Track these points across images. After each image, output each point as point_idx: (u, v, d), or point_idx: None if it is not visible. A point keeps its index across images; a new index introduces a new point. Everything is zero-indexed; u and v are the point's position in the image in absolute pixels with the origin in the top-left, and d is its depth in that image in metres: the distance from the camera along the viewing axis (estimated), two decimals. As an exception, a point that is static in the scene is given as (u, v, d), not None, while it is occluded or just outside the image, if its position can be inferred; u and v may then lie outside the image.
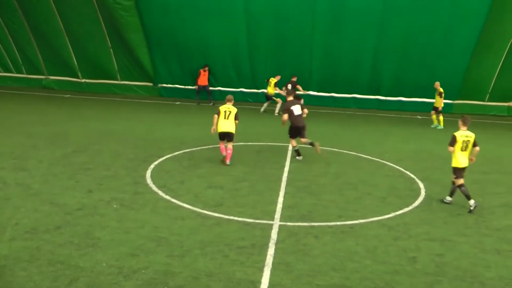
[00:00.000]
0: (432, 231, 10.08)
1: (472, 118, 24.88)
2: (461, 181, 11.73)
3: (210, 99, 26.43)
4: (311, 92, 26.49)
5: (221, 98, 26.88)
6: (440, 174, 14.27)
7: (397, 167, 15.00)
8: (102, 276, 7.48)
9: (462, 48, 24.78)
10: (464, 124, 11.83)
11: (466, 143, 11.61)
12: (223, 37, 25.62)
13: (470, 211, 11.42)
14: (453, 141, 11.59)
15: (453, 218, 10.99)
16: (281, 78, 24.33)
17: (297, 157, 15.21)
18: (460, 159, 11.68)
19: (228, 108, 14.33)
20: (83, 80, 28.99)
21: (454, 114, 26.68)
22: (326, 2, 24.17)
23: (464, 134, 11.65)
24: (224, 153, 14.30)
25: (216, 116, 14.33)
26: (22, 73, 30.25)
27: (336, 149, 16.84)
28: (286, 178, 13.12)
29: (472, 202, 11.53)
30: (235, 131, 14.40)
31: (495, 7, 23.15)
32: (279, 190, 12.05)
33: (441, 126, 22.74)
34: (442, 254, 9.00)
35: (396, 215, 10.84)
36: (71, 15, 26.38)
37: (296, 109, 14.97)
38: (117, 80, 28.41)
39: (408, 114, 25.77)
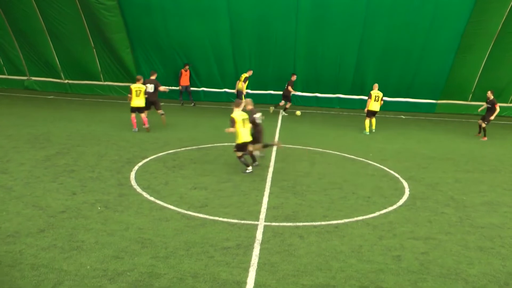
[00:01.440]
0: (416, 230, 10.16)
1: (456, 118, 25.65)
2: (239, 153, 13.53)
3: (191, 100, 26.25)
4: (295, 92, 26.54)
5: (206, 99, 26.92)
6: (424, 173, 14.39)
7: (382, 166, 15.08)
8: (86, 279, 7.42)
9: (445, 48, 24.99)
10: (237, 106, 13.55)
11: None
12: (206, 37, 25.51)
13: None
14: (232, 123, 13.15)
15: (437, 216, 11.08)
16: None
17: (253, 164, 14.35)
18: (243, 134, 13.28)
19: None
20: (66, 81, 28.69)
21: (438, 114, 26.99)
22: (309, 1, 24.19)
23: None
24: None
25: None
26: (4, 74, 29.88)
27: (320, 149, 16.88)
28: (270, 179, 13.12)
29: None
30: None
31: (477, 8, 23.36)
32: (263, 191, 12.06)
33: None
34: (426, 252, 9.09)
35: (381, 214, 10.90)
36: (53, 14, 26.07)
37: (258, 118, 14.43)
38: (101, 81, 28.16)
39: (392, 114, 25.92)
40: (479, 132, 21.50)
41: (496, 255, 9.13)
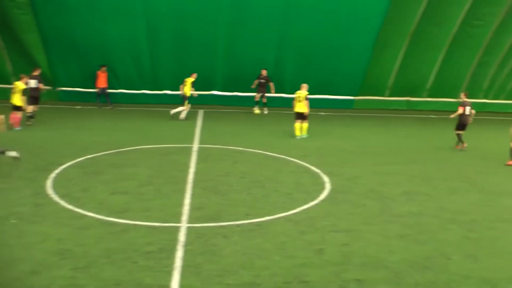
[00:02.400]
0: (338, 223, 10.41)
1: (373, 113, 26.44)
2: None
3: (108, 102, 25.53)
4: (215, 92, 26.52)
5: (125, 101, 26.17)
6: (344, 168, 14.75)
7: (303, 163, 15.33)
8: (0, 298, 7.07)
9: (362, 45, 25.77)
10: None
11: None
12: (123, 37, 24.79)
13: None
14: None
15: (357, 209, 11.40)
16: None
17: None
18: None
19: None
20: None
21: (356, 109, 27.76)
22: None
23: None
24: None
25: None
26: None
27: (242, 148, 16.95)
28: (192, 179, 13.02)
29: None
30: None
31: (393, 6, 24.28)
32: (185, 192, 11.93)
33: None
34: (348, 244, 9.33)
35: (303, 210, 11.07)
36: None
37: None
38: (11, 84, 26.81)
39: (312, 111, 26.22)
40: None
41: (415, 241, 9.50)
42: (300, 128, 19.39)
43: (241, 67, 25.94)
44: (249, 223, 10.11)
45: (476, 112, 29.30)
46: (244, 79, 26.18)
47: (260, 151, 16.66)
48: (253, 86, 25.40)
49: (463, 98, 19.16)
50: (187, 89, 22.92)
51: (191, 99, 22.68)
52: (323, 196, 12.15)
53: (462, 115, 18.67)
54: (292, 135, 19.36)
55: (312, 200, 11.73)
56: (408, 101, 29.10)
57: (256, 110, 25.34)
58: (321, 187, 12.90)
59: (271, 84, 24.98)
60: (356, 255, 8.85)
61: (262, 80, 25.07)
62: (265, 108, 25.65)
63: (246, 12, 24.45)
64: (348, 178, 13.89)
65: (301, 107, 19.15)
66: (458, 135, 18.84)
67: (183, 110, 22.70)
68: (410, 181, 13.87)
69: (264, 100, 25.41)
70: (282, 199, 11.83)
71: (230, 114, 24.67)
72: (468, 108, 18.70)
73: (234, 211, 10.81)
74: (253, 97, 26.10)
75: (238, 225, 9.96)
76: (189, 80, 23.00)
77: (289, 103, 26.29)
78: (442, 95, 29.08)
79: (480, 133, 22.92)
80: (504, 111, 30.33)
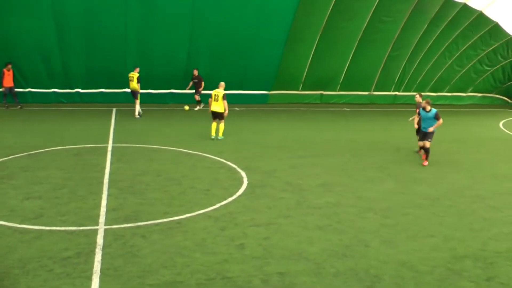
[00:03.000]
0: (257, 217, 10.55)
1: (287, 107, 26.91)
2: None
3: (16, 102, 24.35)
4: (127, 90, 25.97)
5: (34, 100, 25.04)
6: (260, 162, 14.94)
7: (219, 158, 15.38)
8: None
9: (274, 40, 26.15)
10: None
11: None
12: (29, 33, 23.62)
13: None
14: None
15: (276, 202, 11.59)
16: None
17: None
18: None
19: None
20: None
21: (270, 104, 28.13)
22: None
23: None
24: None
25: None
26: None
27: (157, 146, 16.75)
28: (108, 180, 12.73)
29: None
30: None
31: (303, 1, 24.73)
32: (101, 193, 11.66)
33: None
34: (268, 237, 9.49)
35: (221, 206, 11.14)
36: None
37: None
38: None
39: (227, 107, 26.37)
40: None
41: (334, 231, 9.82)
42: (217, 129, 18.53)
43: (154, 63, 25.51)
44: (168, 222, 10.04)
45: (388, 104, 30.97)
46: (157, 76, 25.85)
47: (176, 148, 16.54)
48: (188, 88, 25.82)
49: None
50: (134, 84, 22.60)
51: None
52: (240, 191, 12.26)
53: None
54: (208, 132, 19.31)
55: (230, 196, 11.82)
56: (321, 94, 29.92)
57: (186, 107, 25.22)
58: (239, 182, 13.01)
59: (202, 84, 25.24)
60: (277, 248, 9.03)
61: (195, 80, 25.28)
62: (198, 106, 25.54)
63: (156, 8, 24.07)
64: (265, 172, 14.09)
65: (218, 106, 18.17)
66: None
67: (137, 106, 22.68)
68: (326, 173, 14.28)
69: (197, 98, 25.35)
70: (200, 195, 11.83)
71: (143, 112, 24.24)
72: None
73: (152, 210, 10.69)
74: (163, 94, 26.01)
75: (156, 224, 9.87)
76: (135, 75, 22.54)
77: (204, 99, 26.37)
78: (355, 88, 30.21)
79: (392, 124, 24.01)
80: (414, 103, 31.75)
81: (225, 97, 18.18)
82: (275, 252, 8.88)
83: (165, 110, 25.09)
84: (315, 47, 27.22)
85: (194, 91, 25.88)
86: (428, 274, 8.45)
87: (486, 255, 9.42)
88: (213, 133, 18.55)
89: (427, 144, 15.99)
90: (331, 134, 20.52)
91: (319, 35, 26.68)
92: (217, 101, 18.17)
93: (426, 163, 16.08)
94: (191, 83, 25.69)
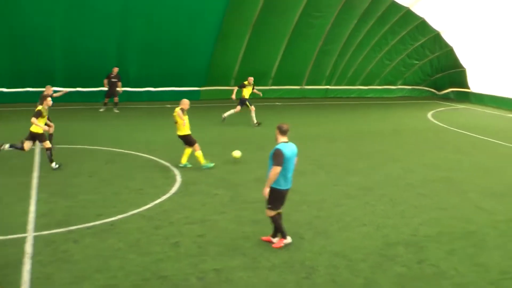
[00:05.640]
0: (192, 214, 10.50)
1: (220, 103, 26.84)
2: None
3: None
4: (56, 88, 25.11)
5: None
6: (192, 159, 14.73)
7: (152, 157, 15.17)
8: None
9: (206, 36, 25.95)
10: None
11: None
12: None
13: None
14: None
15: (210, 199, 11.58)
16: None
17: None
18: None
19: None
20: None
21: (202, 100, 27.97)
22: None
23: None
24: None
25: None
26: None
27: (88, 146, 16.32)
28: (37, 184, 12.25)
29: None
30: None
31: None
32: (30, 199, 11.19)
33: None
34: (203, 234, 9.47)
35: (155, 205, 11.01)
36: None
37: None
38: None
39: (158, 104, 26.11)
40: None
41: (268, 225, 9.78)
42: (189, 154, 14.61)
43: (82, 61, 24.74)
44: (101, 224, 9.81)
45: (319, 97, 31.52)
46: (85, 74, 25.14)
47: (107, 148, 16.17)
48: (106, 86, 24.14)
49: None
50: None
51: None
52: (174, 189, 12.16)
53: None
54: (141, 128, 19.02)
55: (164, 194, 11.70)
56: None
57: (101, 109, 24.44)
58: (172, 180, 12.89)
59: (119, 84, 24.15)
60: (212, 245, 9.02)
61: (114, 79, 23.94)
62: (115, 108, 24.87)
63: (84, 4, 23.34)
64: (198, 169, 14.01)
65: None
66: None
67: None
68: (260, 168, 14.28)
69: (116, 100, 24.26)
70: (134, 195, 11.63)
71: (73, 111, 23.52)
72: None
73: (84, 213, 10.40)
74: (94, 92, 25.38)
75: (89, 228, 9.62)
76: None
77: (134, 97, 25.95)
78: (286, 83, 30.53)
79: (324, 117, 24.42)
80: (345, 96, 32.77)
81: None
82: (210, 248, 8.87)
83: (95, 109, 24.42)
84: (247, 43, 27.27)
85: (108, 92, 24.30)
86: (362, 261, 8.69)
87: (417, 240, 9.80)
88: (184, 160, 14.50)
89: None
90: (264, 129, 20.64)
91: (250, 30, 26.74)
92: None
93: None
94: (106, 81, 24.02)
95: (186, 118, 14.14)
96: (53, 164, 13.61)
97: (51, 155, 13.63)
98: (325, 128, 21.80)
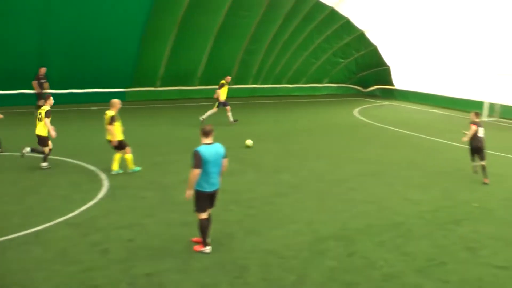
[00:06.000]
0: (120, 219, 10.28)
1: (146, 104, 26.45)
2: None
3: None
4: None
5: None
6: (121, 164, 14.37)
7: (77, 162, 14.73)
8: None
9: (130, 36, 25.46)
10: None
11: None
12: None
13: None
14: None
15: (138, 202, 11.39)
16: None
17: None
18: None
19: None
20: None
21: (129, 102, 27.38)
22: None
23: None
24: None
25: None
26: None
27: (9, 153, 15.58)
28: (-47, 196, 11.61)
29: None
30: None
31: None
32: None
33: None
34: (133, 239, 9.30)
35: (82, 211, 10.70)
36: None
37: None
38: None
39: (83, 106, 25.37)
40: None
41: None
42: (119, 159, 13.89)
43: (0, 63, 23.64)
44: (24, 235, 9.38)
45: (247, 96, 31.62)
46: (3, 75, 23.95)
47: (29, 154, 15.46)
48: (36, 89, 22.94)
49: (474, 118, 14.62)
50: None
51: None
52: (101, 194, 11.86)
53: (474, 138, 14.43)
54: (62, 131, 18.38)
55: (91, 200, 11.38)
56: (180, 90, 29.76)
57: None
58: (99, 184, 12.57)
59: (46, 85, 23.16)
60: (142, 249, 8.87)
61: (42, 80, 22.95)
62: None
63: (4, 3, 22.23)
64: (125, 172, 13.73)
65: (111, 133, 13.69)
66: (481, 166, 14.63)
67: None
68: (188, 169, 14.09)
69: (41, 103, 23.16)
70: (59, 203, 11.21)
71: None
72: (481, 130, 14.50)
73: (6, 224, 9.89)
74: (17, 95, 24.34)
75: (11, 240, 9.15)
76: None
77: (58, 99, 24.92)
78: (213, 83, 30.21)
79: (251, 116, 24.53)
80: (273, 95, 33.09)
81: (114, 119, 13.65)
82: (140, 253, 8.71)
83: (14, 113, 23.35)
84: (173, 42, 26.97)
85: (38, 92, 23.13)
86: (293, 258, 8.79)
87: (347, 233, 10.03)
88: (115, 167, 13.79)
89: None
90: (192, 130, 20.48)
91: (176, 30, 26.45)
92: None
93: None
94: (35, 82, 22.97)
95: (118, 124, 13.58)
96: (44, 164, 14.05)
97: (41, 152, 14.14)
98: (252, 126, 21.91)
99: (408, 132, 22.04)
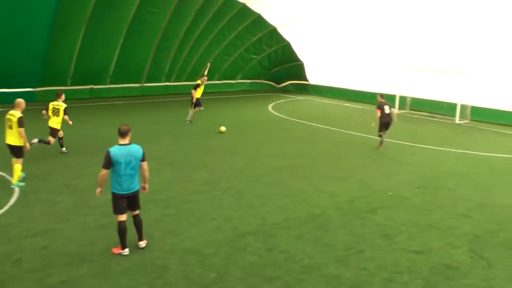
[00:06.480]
0: (33, 226, 9.93)
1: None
2: None
3: None
4: None
5: None
6: (32, 166, 13.94)
7: (-16, 168, 14.02)
8: None
9: (37, 34, 24.54)
10: None
11: None
12: None
13: None
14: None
15: (52, 207, 11.06)
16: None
17: None
18: None
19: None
20: None
21: (38, 102, 26.33)
22: None
23: None
24: None
25: None
26: None
27: None
28: None
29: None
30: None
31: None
32: None
33: None
34: (47, 246, 9.01)
35: (-9, 220, 10.22)
36: None
37: None
38: None
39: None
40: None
41: (116, 228, 9.54)
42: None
43: None
44: None
45: (160, 94, 31.23)
46: None
47: None
48: None
49: (379, 99, 18.31)
50: None
51: None
52: (12, 200, 11.38)
53: (382, 116, 17.80)
54: None
55: (1, 208, 10.89)
56: (91, 89, 28.98)
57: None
58: (9, 191, 12.02)
59: None
60: (58, 256, 8.60)
61: None
62: None
63: None
64: (38, 176, 13.26)
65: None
66: (381, 135, 18.17)
67: None
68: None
69: None
70: (-35, 212, 10.67)
71: None
72: (387, 107, 17.92)
73: None
74: None
75: None
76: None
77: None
78: (125, 81, 29.82)
79: (166, 114, 24.31)
80: (186, 92, 32.71)
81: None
82: (55, 260, 8.44)
83: None
84: (81, 39, 26.17)
85: None
86: (213, 255, 8.85)
87: (265, 228, 10.20)
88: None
89: None
90: (106, 130, 20.05)
91: (84, 27, 25.67)
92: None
93: None
94: None
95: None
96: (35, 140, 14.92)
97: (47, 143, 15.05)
98: (167, 125, 21.73)
99: (323, 126, 22.66)
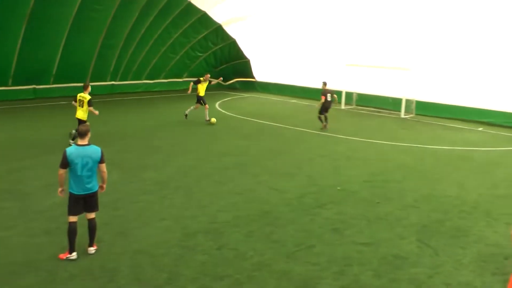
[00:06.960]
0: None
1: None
2: None
3: None
4: None
5: None
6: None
7: None
8: None
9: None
10: None
11: None
12: None
13: None
14: None
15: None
16: None
17: None
18: None
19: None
20: None
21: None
22: None
23: None
24: None
25: None
26: None
27: None
28: None
29: None
30: None
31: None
32: None
33: None
34: (-8, 256, 8.61)
35: None
36: None
37: None
38: None
39: None
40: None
41: (62, 233, 9.14)
42: None
43: None
44: None
45: (106, 94, 30.63)
46: None
47: None
48: None
49: (323, 87, 21.95)
50: None
51: None
52: (-47, 209, 10.90)
53: (325, 102, 21.46)
54: None
55: None
56: (34, 89, 28.06)
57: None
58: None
59: None
60: (2, 266, 8.22)
61: None
62: None
63: None
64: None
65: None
66: (324, 116, 21.64)
67: None
68: (50, 173, 13.32)
69: None
70: None
71: None
72: (329, 95, 21.63)
73: None
74: None
75: None
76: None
77: None
78: (70, 80, 28.86)
79: (111, 114, 23.82)
80: (132, 91, 32.41)
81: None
82: (2, 269, 8.11)
83: None
84: (22, 37, 25.06)
85: None
86: (164, 256, 8.77)
87: (216, 226, 10.18)
88: None
89: None
90: (50, 131, 19.50)
91: (25, 23, 24.66)
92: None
93: None
94: None
95: None
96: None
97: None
98: (113, 125, 21.34)
99: (270, 123, 22.76)
